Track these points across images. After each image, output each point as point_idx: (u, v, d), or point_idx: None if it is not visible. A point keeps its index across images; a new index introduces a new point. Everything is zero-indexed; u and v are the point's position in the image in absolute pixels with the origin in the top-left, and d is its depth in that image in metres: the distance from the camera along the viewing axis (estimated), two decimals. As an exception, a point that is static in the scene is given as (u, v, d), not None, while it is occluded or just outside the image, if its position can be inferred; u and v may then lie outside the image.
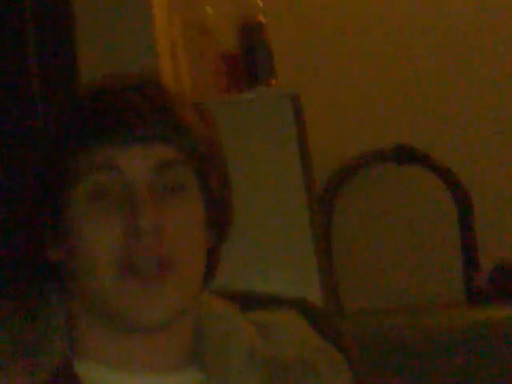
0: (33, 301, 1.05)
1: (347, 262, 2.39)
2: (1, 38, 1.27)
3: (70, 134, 1.02)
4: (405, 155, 2.43)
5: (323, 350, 1.06)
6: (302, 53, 2.42)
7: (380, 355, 1.37)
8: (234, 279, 1.74)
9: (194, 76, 1.93)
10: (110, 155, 1.00)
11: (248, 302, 1.10)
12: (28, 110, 1.29)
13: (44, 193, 1.03)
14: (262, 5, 1.94)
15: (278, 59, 1.96)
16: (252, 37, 1.90)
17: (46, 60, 1.31)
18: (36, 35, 1.30)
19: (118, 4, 1.64)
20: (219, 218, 1.06)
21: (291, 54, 2.34)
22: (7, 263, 1.08)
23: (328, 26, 2.46)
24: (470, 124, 2.48)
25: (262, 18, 1.92)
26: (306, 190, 1.88)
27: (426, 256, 2.42)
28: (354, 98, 2.46)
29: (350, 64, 2.46)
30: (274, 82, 1.93)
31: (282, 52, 2.09)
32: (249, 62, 1.90)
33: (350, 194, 2.44)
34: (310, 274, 1.80)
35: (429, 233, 2.45)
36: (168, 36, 1.88)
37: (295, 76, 2.25)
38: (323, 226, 2.27)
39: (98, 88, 1.05)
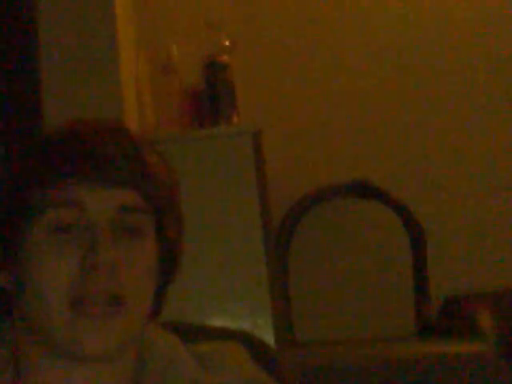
0: None
1: (303, 294, 2.43)
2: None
3: (39, 167, 1.05)
4: (362, 190, 2.48)
5: (259, 381, 1.09)
6: (262, 89, 2.46)
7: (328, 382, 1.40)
8: (189, 310, 1.78)
9: (158, 112, 1.96)
10: (78, 194, 1.04)
11: (190, 333, 1.14)
12: None
13: (4, 220, 1.06)
14: (227, 43, 1.99)
15: (240, 96, 2.01)
16: (215, 75, 1.95)
17: (10, 93, 1.33)
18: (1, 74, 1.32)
19: (84, 40, 1.66)
20: (170, 259, 1.11)
21: (253, 90, 2.39)
22: None
23: (289, 63, 2.51)
24: (428, 161, 2.55)
25: (226, 58, 1.97)
26: (262, 224, 1.92)
27: (380, 289, 2.47)
28: (312, 133, 2.52)
29: (311, 100, 2.51)
30: (235, 119, 1.98)
31: (245, 89, 2.14)
32: (211, 99, 1.95)
33: (307, 228, 2.48)
34: (263, 305, 1.84)
35: (383, 266, 2.50)
36: (133, 73, 1.91)
37: (256, 112, 2.29)
38: (280, 259, 2.31)
39: (72, 128, 1.08)
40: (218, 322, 1.78)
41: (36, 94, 1.37)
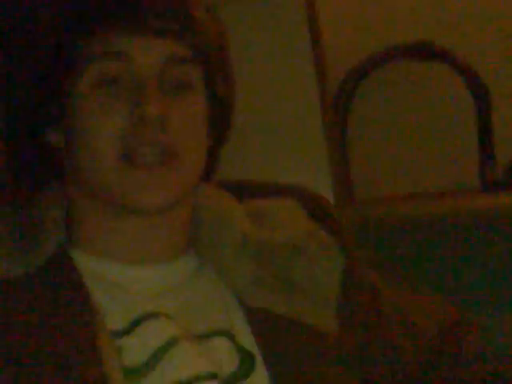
0: (31, 188, 1.09)
1: (362, 154, 2.41)
2: None
3: (81, 17, 1.03)
4: (425, 51, 2.42)
5: (315, 234, 1.09)
6: None
7: (388, 240, 1.38)
8: (246, 171, 1.78)
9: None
10: (122, 44, 1.02)
11: (245, 190, 1.14)
12: None
13: (49, 74, 1.05)
14: None
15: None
16: None
17: None
18: None
19: None
20: (221, 119, 1.09)
21: None
22: (7, 148, 1.11)
23: None
24: (494, 23, 2.46)
25: None
26: (319, 86, 1.89)
27: (444, 149, 2.44)
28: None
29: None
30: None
31: None
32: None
33: (368, 91, 2.44)
34: (321, 164, 1.82)
35: (446, 127, 2.46)
36: None
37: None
38: (339, 121, 2.29)
39: None
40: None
41: None
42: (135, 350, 0.99)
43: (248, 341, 1.04)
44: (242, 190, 1.13)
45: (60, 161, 1.07)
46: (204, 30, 1.05)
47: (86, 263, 1.04)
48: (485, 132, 2.36)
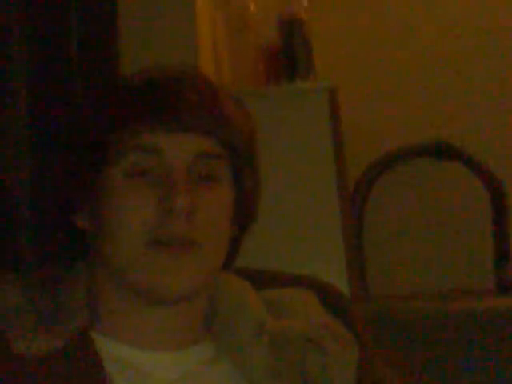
0: (56, 268, 1.11)
1: (378, 251, 2.42)
2: (44, 12, 1.31)
3: (119, 112, 1.07)
4: (442, 151, 2.45)
5: (330, 327, 1.09)
6: (340, 43, 2.45)
7: (401, 338, 1.38)
8: (264, 261, 1.80)
9: (234, 68, 1.97)
10: (155, 139, 1.05)
11: (262, 279, 1.15)
12: (67, 84, 1.33)
13: (81, 163, 1.08)
14: (305, 3, 1.98)
15: (316, 51, 2.00)
16: (292, 31, 1.94)
17: (87, 40, 1.34)
18: (79, 18, 1.34)
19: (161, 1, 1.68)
20: (245, 212, 1.11)
21: (330, 47, 2.37)
22: (37, 230, 1.13)
23: (367, 17, 2.48)
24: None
25: (303, 14, 1.96)
26: (337, 180, 1.92)
27: (459, 250, 2.45)
28: (392, 90, 2.48)
29: (391, 55, 2.48)
30: (312, 76, 1.97)
31: (322, 46, 2.13)
32: (288, 55, 1.94)
33: (385, 187, 2.47)
34: (337, 258, 1.84)
35: (463, 227, 2.47)
36: (210, 33, 1.92)
37: (332, 70, 2.28)
38: (356, 216, 2.31)
39: (150, 74, 1.09)
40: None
41: (113, 43, 1.39)
42: None
43: None
44: (258, 279, 1.15)
45: (86, 243, 1.09)
46: (234, 126, 1.08)
47: (106, 346, 1.05)
48: (500, 233, 2.38)
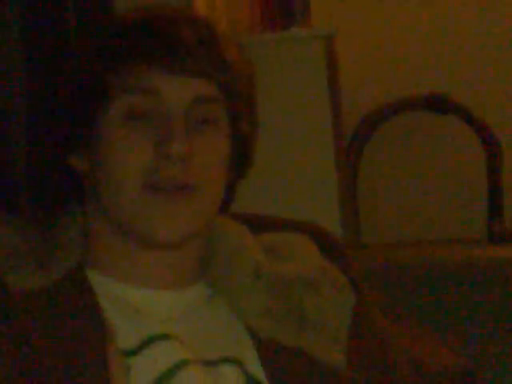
0: (50, 206, 1.11)
1: (372, 201, 2.43)
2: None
3: (115, 52, 1.05)
4: (439, 104, 2.44)
5: (327, 271, 1.10)
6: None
7: (392, 286, 1.38)
8: (258, 207, 1.79)
9: (229, 16, 1.96)
10: (154, 80, 1.04)
11: (259, 224, 1.15)
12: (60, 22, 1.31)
13: (81, 100, 1.07)
14: None
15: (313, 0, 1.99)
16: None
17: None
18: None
19: None
20: (242, 157, 1.11)
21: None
22: (33, 170, 1.13)
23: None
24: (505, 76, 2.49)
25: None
26: (333, 130, 1.91)
27: (452, 198, 2.46)
28: (388, 41, 2.47)
29: (387, 6, 2.46)
30: (308, 23, 1.95)
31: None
32: (284, 2, 1.93)
33: (381, 139, 2.47)
34: (331, 206, 1.84)
35: (456, 178, 2.47)
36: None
37: (329, 17, 2.27)
38: (351, 166, 2.31)
39: (147, 12, 1.07)
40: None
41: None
42: (143, 370, 1.00)
43: (257, 370, 1.05)
44: (256, 224, 1.15)
45: (81, 184, 1.09)
46: (234, 70, 1.07)
47: (100, 283, 1.05)
48: (494, 185, 2.38)
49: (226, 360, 1.05)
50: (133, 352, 1.01)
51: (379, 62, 2.47)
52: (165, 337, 1.03)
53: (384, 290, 1.30)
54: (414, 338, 1.15)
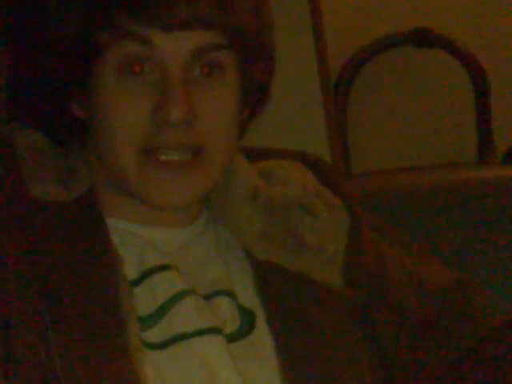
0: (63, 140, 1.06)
1: (362, 134, 2.44)
2: None
3: (108, 4, 0.97)
4: (424, 38, 2.44)
5: (322, 195, 1.10)
6: None
7: (386, 210, 1.39)
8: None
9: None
10: (149, 32, 0.96)
11: (254, 153, 1.13)
12: None
13: (75, 52, 1.00)
14: None
15: None
16: None
17: None
18: None
19: None
20: (256, 100, 1.05)
21: None
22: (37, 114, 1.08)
23: None
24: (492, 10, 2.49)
25: None
26: (319, 72, 1.91)
27: (442, 128, 2.47)
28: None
29: None
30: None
31: None
32: None
33: (368, 77, 2.47)
34: (320, 142, 1.85)
35: (445, 113, 2.49)
36: None
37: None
38: (339, 104, 2.32)
39: None
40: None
41: None
42: (145, 300, 1.00)
43: (249, 299, 1.05)
44: (251, 153, 1.12)
45: (83, 129, 1.03)
46: (238, 11, 0.97)
47: (105, 216, 1.03)
48: (482, 112, 2.39)
49: (220, 293, 1.05)
50: (134, 282, 1.02)
51: (362, 1, 2.47)
52: (165, 268, 1.03)
53: (376, 214, 1.30)
54: (409, 256, 1.15)
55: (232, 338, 1.04)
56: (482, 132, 2.39)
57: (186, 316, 1.02)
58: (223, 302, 1.05)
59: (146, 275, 1.02)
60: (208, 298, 1.05)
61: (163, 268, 1.03)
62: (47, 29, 1.02)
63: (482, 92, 2.40)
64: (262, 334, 1.05)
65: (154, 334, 1.01)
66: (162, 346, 1.01)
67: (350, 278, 1.08)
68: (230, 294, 1.06)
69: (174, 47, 0.97)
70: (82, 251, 0.99)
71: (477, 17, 2.49)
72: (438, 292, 1.12)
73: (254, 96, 1.05)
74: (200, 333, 1.02)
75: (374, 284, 1.09)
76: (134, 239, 1.04)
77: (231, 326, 1.05)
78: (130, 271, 1.02)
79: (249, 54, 1.01)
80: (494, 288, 1.34)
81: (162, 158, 0.98)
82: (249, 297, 1.06)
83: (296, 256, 1.07)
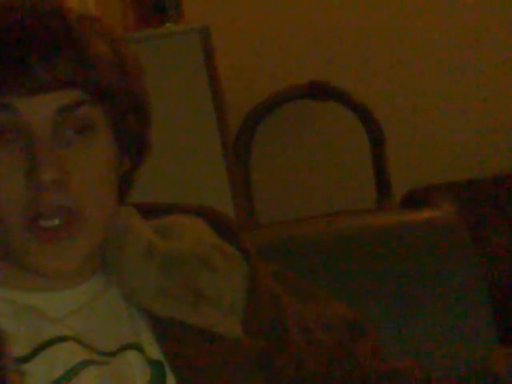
0: None
1: (267, 185, 2.45)
2: None
3: None
4: (319, 91, 2.49)
5: (219, 247, 1.10)
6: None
7: (293, 258, 1.40)
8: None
9: (101, 13, 1.96)
10: (9, 99, 0.95)
11: (149, 209, 1.12)
12: None
13: None
14: None
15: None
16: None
17: None
18: None
19: None
20: (135, 151, 1.05)
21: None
22: None
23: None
24: (382, 60, 2.55)
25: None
26: (219, 127, 1.93)
27: (341, 179, 2.51)
28: (266, 33, 2.50)
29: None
30: (181, 19, 1.97)
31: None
32: (156, 0, 1.94)
33: (267, 131, 2.50)
34: (223, 195, 1.85)
35: (343, 165, 2.53)
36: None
37: (205, 12, 2.28)
38: (240, 159, 2.33)
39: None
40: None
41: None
42: (38, 376, 0.97)
43: (155, 350, 1.04)
44: (146, 209, 1.12)
45: None
46: (101, 65, 0.98)
47: None
48: (379, 163, 2.44)
49: (127, 347, 1.04)
50: (28, 358, 0.99)
51: (258, 57, 2.50)
52: (61, 339, 1.01)
53: (283, 262, 1.31)
54: (308, 308, 1.16)
55: None
56: (379, 179, 2.44)
57: None
58: (132, 356, 1.03)
59: (41, 349, 1.00)
60: (115, 353, 1.03)
61: (61, 339, 1.00)
62: None
63: (376, 141, 2.45)
64: None
65: None
66: None
67: (251, 326, 1.08)
68: (139, 348, 1.04)
69: (38, 110, 0.96)
70: None
71: (370, 68, 2.55)
72: (333, 347, 1.11)
73: (134, 147, 1.05)
74: None
75: (272, 333, 1.10)
76: (27, 311, 1.02)
77: (141, 381, 1.03)
78: (23, 347, 0.99)
79: (117, 107, 1.01)
80: (387, 331, 1.36)
81: (42, 223, 0.98)
82: (154, 349, 1.05)
83: (195, 310, 1.06)
